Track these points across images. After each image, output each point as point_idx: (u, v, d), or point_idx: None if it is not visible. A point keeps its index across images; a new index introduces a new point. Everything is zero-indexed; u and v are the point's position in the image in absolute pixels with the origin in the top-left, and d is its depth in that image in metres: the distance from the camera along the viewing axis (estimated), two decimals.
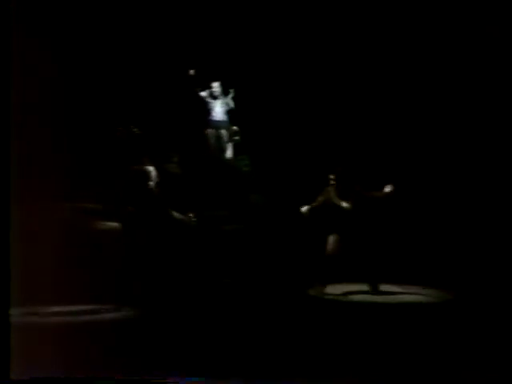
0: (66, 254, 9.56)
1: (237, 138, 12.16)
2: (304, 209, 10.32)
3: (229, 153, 12.18)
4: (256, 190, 11.65)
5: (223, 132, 12.15)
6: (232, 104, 12.11)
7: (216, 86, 12.12)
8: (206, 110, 12.09)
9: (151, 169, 10.86)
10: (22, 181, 8.65)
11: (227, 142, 12.18)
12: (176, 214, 10.66)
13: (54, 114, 10.29)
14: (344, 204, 10.21)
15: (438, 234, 10.82)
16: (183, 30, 12.18)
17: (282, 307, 9.16)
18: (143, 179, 10.81)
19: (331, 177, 10.36)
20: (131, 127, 11.35)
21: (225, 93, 12.11)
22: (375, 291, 10.12)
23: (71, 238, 10.04)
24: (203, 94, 12.05)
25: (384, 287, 10.18)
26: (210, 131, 12.13)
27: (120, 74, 11.87)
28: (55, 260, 9.31)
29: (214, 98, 12.13)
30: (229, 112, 12.12)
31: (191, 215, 10.78)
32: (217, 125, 12.13)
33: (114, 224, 10.68)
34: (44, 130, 10.04)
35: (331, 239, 10.20)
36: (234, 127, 12.12)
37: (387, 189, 10.13)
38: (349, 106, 11.99)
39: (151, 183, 10.75)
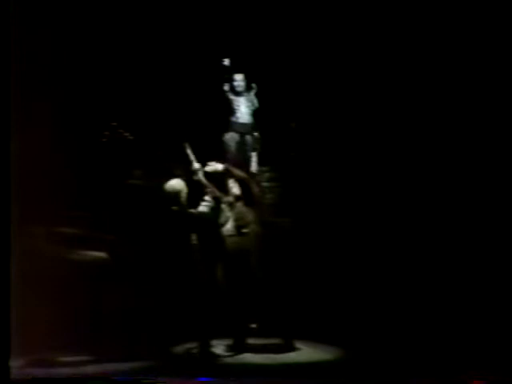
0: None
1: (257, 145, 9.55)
2: None
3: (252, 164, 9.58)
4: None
5: (245, 138, 9.58)
6: (256, 102, 9.53)
7: (238, 80, 9.56)
8: (223, 109, 9.52)
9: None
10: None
11: (250, 151, 9.59)
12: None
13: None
14: None
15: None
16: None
17: None
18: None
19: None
20: (121, 132, 8.82)
21: (247, 88, 9.54)
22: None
23: None
24: (220, 88, 9.50)
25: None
26: (227, 136, 9.57)
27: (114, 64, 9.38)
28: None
29: (236, 93, 9.58)
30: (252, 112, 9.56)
31: None
32: (236, 128, 9.56)
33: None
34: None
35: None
36: (256, 133, 9.52)
37: None
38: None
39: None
